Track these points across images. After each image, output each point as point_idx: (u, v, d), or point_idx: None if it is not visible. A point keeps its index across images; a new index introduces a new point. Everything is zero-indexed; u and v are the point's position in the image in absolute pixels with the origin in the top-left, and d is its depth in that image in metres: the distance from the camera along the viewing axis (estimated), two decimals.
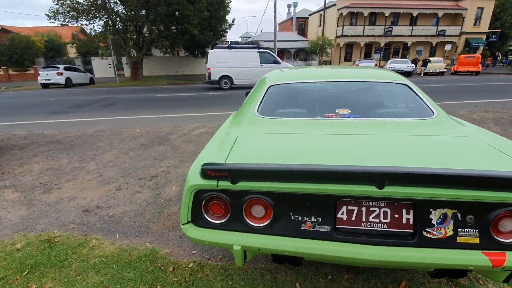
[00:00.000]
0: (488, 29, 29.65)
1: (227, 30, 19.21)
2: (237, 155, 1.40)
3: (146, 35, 15.79)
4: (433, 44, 28.83)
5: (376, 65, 19.24)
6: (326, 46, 25.60)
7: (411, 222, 1.17)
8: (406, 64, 19.75)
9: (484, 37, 29.79)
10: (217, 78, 13.13)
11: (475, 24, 29.25)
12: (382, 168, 1.10)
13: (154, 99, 10.16)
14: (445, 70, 21.02)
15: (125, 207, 2.75)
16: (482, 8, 28.67)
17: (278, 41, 20.74)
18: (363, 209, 1.20)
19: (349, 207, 1.20)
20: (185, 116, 6.97)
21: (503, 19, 32.74)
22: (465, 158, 1.32)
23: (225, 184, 1.21)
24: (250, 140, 1.62)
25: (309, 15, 34.76)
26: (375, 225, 1.20)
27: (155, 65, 22.28)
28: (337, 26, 27.25)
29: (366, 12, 26.40)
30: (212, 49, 13.97)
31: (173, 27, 15.96)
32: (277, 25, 20.05)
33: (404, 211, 1.18)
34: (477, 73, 20.47)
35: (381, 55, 28.28)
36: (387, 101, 2.05)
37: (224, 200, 1.26)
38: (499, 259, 1.09)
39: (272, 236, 1.25)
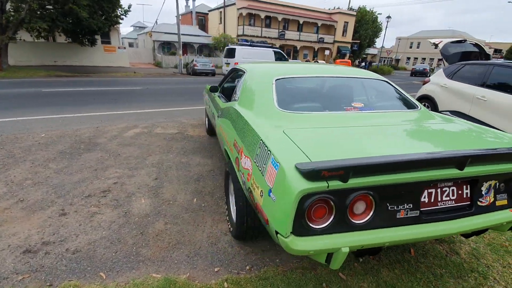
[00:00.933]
0: (352, 39, 37.21)
1: (123, 16, 16.78)
2: (322, 152, 1.31)
3: (11, 13, 11.90)
4: (316, 49, 33.93)
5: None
6: (229, 44, 26.15)
7: (469, 195, 1.40)
8: None
9: (349, 45, 37.22)
10: None
11: (343, 35, 36.09)
12: (465, 152, 1.26)
13: (41, 95, 7.92)
14: None
15: (88, 235, 2.10)
16: (347, 22, 35.66)
17: (181, 34, 19.74)
18: (438, 190, 1.35)
19: (429, 190, 1.33)
20: (103, 115, 5.78)
21: (360, 32, 41.78)
22: (476, 139, 1.67)
23: (335, 184, 1.11)
24: (305, 136, 1.53)
25: (209, 11, 34.56)
26: (446, 203, 1.37)
27: (25, 53, 17.10)
28: (238, 25, 28.25)
29: (262, 15, 28.41)
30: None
31: (50, 6, 12.68)
32: (179, 17, 19.00)
33: (464, 187, 1.39)
34: None
35: None
36: (382, 95, 2.33)
37: (329, 201, 1.16)
38: None
39: (372, 230, 1.24)
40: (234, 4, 27.91)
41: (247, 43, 16.07)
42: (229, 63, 15.51)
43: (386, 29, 30.31)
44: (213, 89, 3.32)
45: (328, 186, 1.11)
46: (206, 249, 2.02)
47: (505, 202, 1.46)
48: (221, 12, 30.58)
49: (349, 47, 37.10)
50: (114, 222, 2.27)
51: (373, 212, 1.23)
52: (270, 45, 16.10)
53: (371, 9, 43.31)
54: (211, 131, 4.53)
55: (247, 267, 1.86)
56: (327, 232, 1.19)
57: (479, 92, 4.94)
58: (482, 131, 1.78)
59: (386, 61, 57.31)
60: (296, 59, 29.79)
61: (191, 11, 34.24)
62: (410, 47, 60.42)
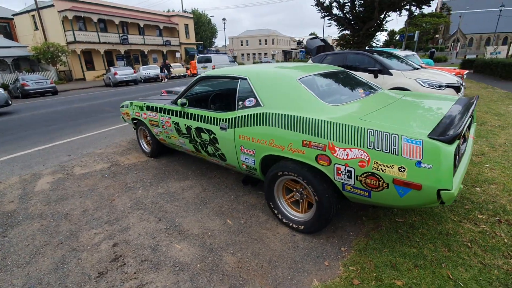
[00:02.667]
0: (196, 41, 38.67)
1: None
2: (416, 126, 1.72)
3: None
4: (164, 52, 33.03)
5: (134, 72, 19.11)
6: (60, 54, 21.19)
7: None
8: (157, 70, 21.40)
9: (195, 47, 38.56)
10: None
11: (186, 37, 36.87)
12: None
13: None
14: (186, 73, 25.40)
15: None
16: (187, 25, 36.61)
17: None
18: None
19: None
20: None
21: (200, 34, 44.00)
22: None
23: (457, 143, 1.57)
24: (381, 118, 1.87)
25: (14, 15, 26.18)
26: None
27: None
28: (65, 30, 23.15)
29: (95, 18, 24.51)
30: None
31: None
32: None
33: None
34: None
35: (125, 62, 28.18)
36: (358, 81, 2.94)
37: (455, 154, 1.60)
38: None
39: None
40: (52, 6, 22.58)
41: (212, 51, 23.58)
42: (206, 67, 18.83)
43: (225, 30, 33.48)
44: (182, 104, 2.96)
45: (456, 145, 1.54)
46: (295, 252, 2.04)
47: None
48: (34, 16, 24.01)
49: (195, 48, 38.45)
50: (178, 282, 1.82)
51: None
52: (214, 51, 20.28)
53: (203, 12, 46.40)
54: (157, 150, 3.96)
55: (343, 248, 2.06)
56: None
57: None
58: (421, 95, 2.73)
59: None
60: (147, 64, 27.98)
61: None
62: (241, 45, 69.08)
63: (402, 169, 1.59)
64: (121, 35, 27.11)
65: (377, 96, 2.57)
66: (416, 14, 25.59)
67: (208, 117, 2.75)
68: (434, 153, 1.51)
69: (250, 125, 2.34)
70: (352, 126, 1.79)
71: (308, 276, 1.81)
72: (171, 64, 23.97)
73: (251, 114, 2.35)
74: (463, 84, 5.84)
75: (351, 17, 20.90)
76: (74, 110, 9.00)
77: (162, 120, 3.37)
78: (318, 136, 1.91)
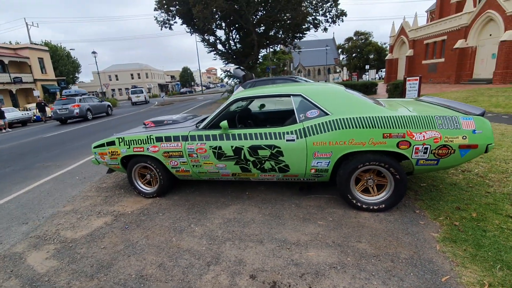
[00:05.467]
0: (56, 76, 32.49)
1: None
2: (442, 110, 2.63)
3: None
4: (14, 91, 25.95)
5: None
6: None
7: None
8: (20, 113, 16.78)
9: (56, 83, 32.31)
10: None
11: (43, 72, 30.50)
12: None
13: None
14: None
15: None
16: (42, 58, 30.46)
17: None
18: None
19: None
20: None
21: (59, 68, 37.41)
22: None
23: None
24: (420, 109, 2.70)
25: None
26: None
27: None
28: None
29: None
30: None
31: None
32: None
33: None
34: None
35: None
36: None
37: None
38: None
39: None
40: None
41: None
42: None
43: (96, 64, 29.81)
44: (224, 127, 2.91)
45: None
46: (395, 224, 2.51)
47: None
48: None
49: (57, 85, 32.28)
50: (363, 276, 1.93)
51: None
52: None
53: (59, 44, 39.97)
54: (169, 187, 3.50)
55: (417, 211, 2.69)
56: None
57: None
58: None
59: (95, 94, 55.92)
60: None
61: None
62: (110, 80, 63.02)
63: (464, 137, 2.42)
64: None
65: (390, 101, 3.47)
66: (277, 50, 31.39)
67: (267, 133, 2.88)
68: (482, 123, 2.42)
69: (324, 132, 2.70)
70: (423, 116, 2.52)
71: (422, 233, 2.32)
72: (44, 102, 18.97)
73: (322, 123, 2.72)
74: None
75: (231, 53, 23.49)
76: None
77: (191, 148, 3.12)
78: (396, 128, 2.53)
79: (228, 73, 23.88)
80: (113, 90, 61.91)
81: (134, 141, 3.36)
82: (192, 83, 77.23)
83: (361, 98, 2.84)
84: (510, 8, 13.50)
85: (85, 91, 17.61)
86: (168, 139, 3.23)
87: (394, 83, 13.10)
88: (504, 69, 14.06)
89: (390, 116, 2.58)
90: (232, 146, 2.98)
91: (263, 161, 2.95)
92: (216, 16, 18.85)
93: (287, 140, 2.81)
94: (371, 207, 2.76)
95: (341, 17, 19.86)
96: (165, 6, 20.47)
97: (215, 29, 20.76)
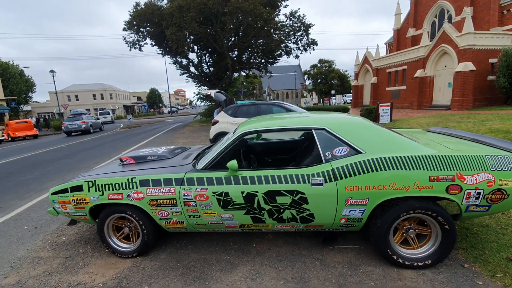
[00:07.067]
0: (5, 96, 29.27)
1: None
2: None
3: None
4: None
5: None
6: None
7: None
8: None
9: (5, 103, 29.04)
10: None
11: None
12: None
13: None
14: (3, 137, 18.50)
15: None
16: None
17: None
18: None
19: None
20: None
21: (10, 87, 33.96)
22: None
23: None
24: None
25: None
26: None
27: None
28: None
29: None
30: None
31: None
32: None
33: None
34: (35, 136, 20.51)
35: None
36: None
37: None
38: None
39: None
40: None
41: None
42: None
43: (54, 83, 27.35)
44: (233, 168, 2.32)
45: None
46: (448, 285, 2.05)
47: None
48: None
49: (5, 105, 29.02)
50: None
51: None
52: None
53: (11, 62, 36.70)
54: (154, 243, 2.73)
55: (466, 266, 2.28)
56: None
57: None
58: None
59: (51, 115, 51.51)
60: None
61: None
62: (69, 100, 59.03)
63: None
64: None
65: (411, 133, 3.16)
66: (250, 74, 31.86)
67: (287, 176, 2.34)
68: None
69: (358, 174, 2.23)
70: (473, 155, 2.17)
71: None
72: None
73: (355, 163, 2.26)
74: None
75: (204, 76, 23.12)
76: None
77: (188, 195, 2.45)
78: (445, 169, 2.15)
79: (201, 96, 23.25)
80: (71, 111, 57.73)
81: (110, 185, 2.61)
82: (160, 105, 74.99)
83: (393, 133, 2.46)
84: (462, 43, 15.03)
85: (84, 110, 22.47)
86: (156, 182, 2.53)
87: (367, 108, 13.56)
88: (461, 97, 15.35)
89: (436, 156, 2.20)
90: (243, 192, 2.38)
91: (281, 210, 2.38)
92: (188, 40, 18.52)
93: (312, 184, 2.29)
94: (415, 264, 2.29)
95: (312, 45, 20.67)
96: (135, 27, 19.71)
97: (188, 52, 20.33)
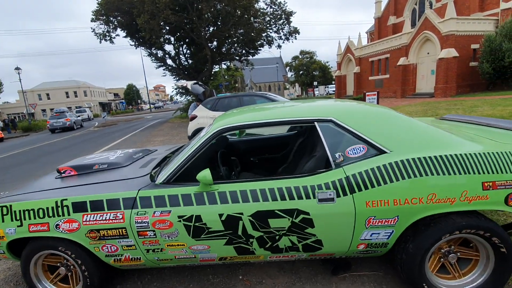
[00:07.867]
0: None
1: None
2: None
3: None
4: None
5: None
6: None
7: None
8: None
9: None
10: None
11: None
12: None
13: None
14: None
15: None
16: None
17: None
18: None
19: None
20: None
21: None
22: None
23: None
24: None
25: None
26: None
27: None
28: None
29: None
30: None
31: None
32: None
33: None
34: (1, 139, 18.81)
35: None
36: None
37: None
38: None
39: None
40: None
41: None
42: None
43: (20, 81, 25.05)
44: (207, 182, 1.61)
45: None
46: None
47: None
48: None
49: None
50: None
51: None
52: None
53: None
54: (103, 283, 1.97)
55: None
56: None
57: None
58: None
59: (21, 116, 48.20)
60: None
61: None
62: (40, 99, 55.52)
63: None
64: None
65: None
66: (231, 67, 30.81)
67: (282, 189, 1.65)
68: None
69: (383, 183, 1.58)
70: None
71: None
72: None
73: (377, 167, 1.60)
74: None
75: (182, 68, 21.92)
76: None
77: (143, 222, 1.71)
78: (503, 172, 1.53)
79: (180, 90, 22.09)
80: (43, 110, 54.11)
81: (31, 211, 1.81)
82: (139, 101, 72.11)
83: (425, 124, 1.81)
84: (444, 29, 14.85)
85: (66, 109, 23.88)
86: (97, 205, 1.76)
87: (354, 98, 13.13)
88: (444, 84, 15.27)
89: (487, 153, 1.58)
90: (221, 215, 1.67)
91: (277, 237, 1.70)
92: (164, 30, 17.28)
93: (320, 200, 1.61)
94: None
95: (294, 34, 19.94)
96: (104, 17, 18.14)
97: (164, 43, 19.03)
